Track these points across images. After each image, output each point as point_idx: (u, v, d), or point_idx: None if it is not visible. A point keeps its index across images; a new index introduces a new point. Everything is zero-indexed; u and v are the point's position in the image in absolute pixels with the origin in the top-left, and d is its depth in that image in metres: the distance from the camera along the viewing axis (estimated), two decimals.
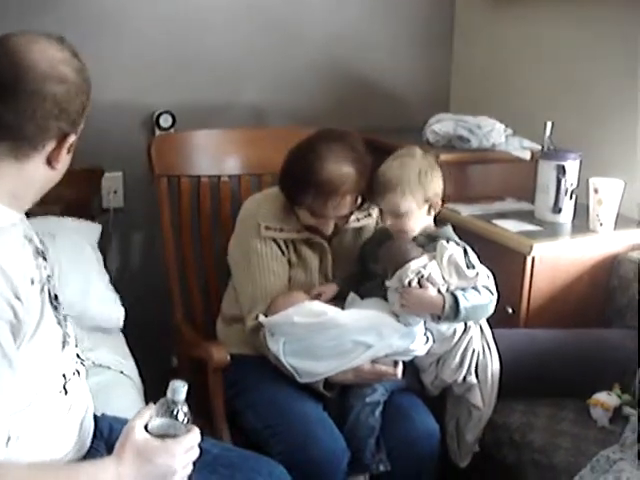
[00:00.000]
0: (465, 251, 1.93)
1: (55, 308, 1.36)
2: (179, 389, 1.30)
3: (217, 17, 2.61)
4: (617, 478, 1.56)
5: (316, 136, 2.04)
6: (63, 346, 1.37)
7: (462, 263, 1.88)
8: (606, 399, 1.95)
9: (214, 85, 2.65)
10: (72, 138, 1.29)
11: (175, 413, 1.30)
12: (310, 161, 1.96)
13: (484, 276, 1.90)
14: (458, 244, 1.94)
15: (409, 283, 1.83)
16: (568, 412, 2.00)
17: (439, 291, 1.85)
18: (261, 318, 1.93)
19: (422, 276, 1.84)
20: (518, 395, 2.04)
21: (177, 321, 2.31)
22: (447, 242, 1.91)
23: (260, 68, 2.70)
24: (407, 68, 2.98)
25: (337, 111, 2.78)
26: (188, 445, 1.31)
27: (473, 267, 1.90)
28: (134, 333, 2.31)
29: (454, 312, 1.84)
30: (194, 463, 1.34)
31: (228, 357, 1.97)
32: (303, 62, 2.77)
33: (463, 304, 1.83)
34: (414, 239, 1.96)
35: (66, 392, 1.36)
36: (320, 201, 1.97)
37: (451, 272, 1.88)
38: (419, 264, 1.85)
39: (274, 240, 2.05)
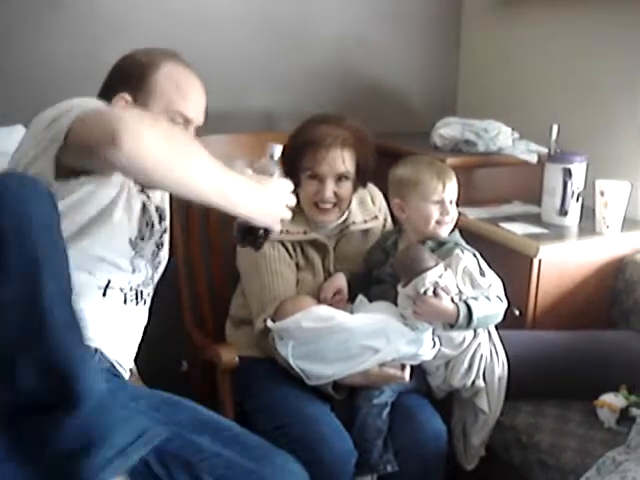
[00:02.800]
0: (475, 257, 1.95)
1: None
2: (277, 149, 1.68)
3: (226, 23, 2.63)
4: (623, 478, 1.56)
5: (306, 121, 2.14)
6: None
7: (476, 274, 1.91)
8: (613, 400, 1.95)
9: (223, 90, 2.67)
10: None
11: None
12: (300, 132, 2.08)
13: (496, 285, 1.92)
14: (468, 250, 1.96)
15: (424, 292, 1.85)
16: (575, 413, 2.01)
17: (452, 300, 1.87)
18: (269, 324, 1.95)
19: (438, 285, 1.86)
20: (525, 396, 2.05)
21: (186, 325, 2.32)
22: (462, 252, 1.94)
23: (269, 73, 2.73)
24: (414, 72, 3.00)
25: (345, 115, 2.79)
26: (288, 184, 1.62)
27: (484, 275, 1.92)
28: (144, 337, 2.32)
29: (467, 321, 1.86)
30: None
31: (236, 358, 1.98)
32: (311, 67, 2.79)
33: (476, 314, 1.85)
34: (423, 243, 1.98)
35: None
36: (311, 155, 2.04)
37: (465, 282, 1.90)
38: (436, 274, 1.86)
39: (282, 243, 2.08)
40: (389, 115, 2.95)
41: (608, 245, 2.27)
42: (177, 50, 2.56)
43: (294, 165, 2.06)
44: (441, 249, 1.96)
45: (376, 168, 2.14)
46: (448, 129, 2.58)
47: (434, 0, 2.99)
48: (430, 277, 1.85)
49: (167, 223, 1.89)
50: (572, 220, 2.33)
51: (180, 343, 2.52)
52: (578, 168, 2.29)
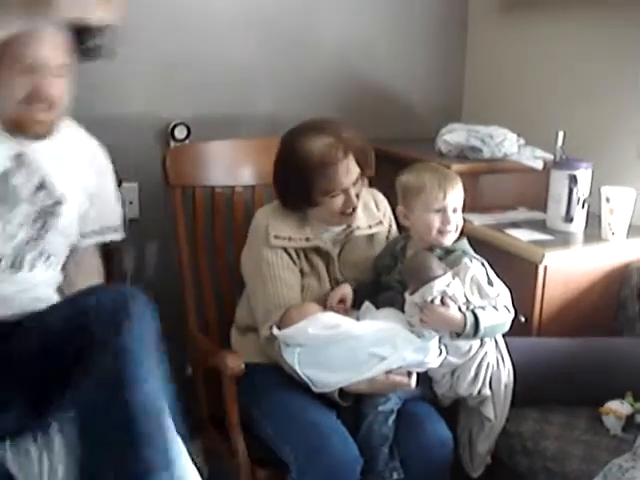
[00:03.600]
0: (483, 266, 1.95)
1: None
2: None
3: (231, 29, 2.64)
4: None
5: (282, 145, 2.12)
6: None
7: (484, 283, 1.91)
8: (618, 407, 1.95)
9: (228, 96, 2.68)
10: None
11: None
12: (297, 157, 2.03)
13: (504, 295, 1.92)
14: (476, 259, 1.96)
15: (432, 300, 1.85)
16: (581, 420, 2.00)
17: (460, 309, 1.87)
18: (275, 331, 1.94)
19: (445, 294, 1.85)
20: (530, 403, 2.05)
21: (191, 330, 2.32)
22: (470, 261, 1.93)
23: (274, 79, 2.73)
24: (419, 78, 3.00)
25: (350, 120, 2.74)
26: None
27: (492, 284, 1.92)
28: None
29: (474, 331, 1.85)
30: None
31: (242, 366, 1.97)
32: (317, 73, 2.80)
33: (483, 323, 1.85)
34: (431, 250, 1.98)
35: None
36: (330, 175, 2.01)
37: (473, 291, 1.90)
38: (444, 283, 1.86)
39: (285, 250, 2.07)
40: (394, 121, 2.96)
41: (614, 252, 2.26)
42: (186, 59, 2.59)
43: (306, 195, 2.06)
44: (449, 257, 1.96)
45: (380, 174, 2.15)
46: (453, 135, 2.57)
47: (439, 6, 2.99)
48: (438, 286, 1.84)
49: (58, 195, 1.89)
50: (577, 227, 2.33)
51: (184, 348, 2.53)
52: (584, 174, 2.29)
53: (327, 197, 2.05)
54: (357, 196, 2.09)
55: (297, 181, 2.04)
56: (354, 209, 2.10)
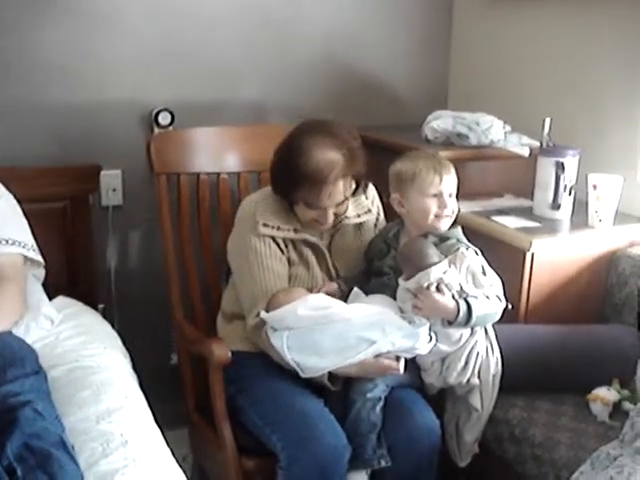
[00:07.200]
0: (477, 255, 1.95)
1: None
2: None
3: (216, 14, 2.61)
4: (619, 472, 1.56)
5: (297, 130, 2.06)
6: None
7: (479, 273, 1.91)
8: (605, 394, 1.96)
9: (213, 82, 2.66)
10: None
11: None
12: (296, 155, 1.98)
13: (496, 285, 1.92)
14: (471, 247, 1.96)
15: (427, 287, 1.84)
16: (568, 407, 2.01)
17: (453, 297, 1.86)
18: (262, 314, 1.92)
19: (442, 281, 1.85)
20: (518, 390, 2.05)
21: (177, 318, 2.30)
22: (466, 249, 1.93)
23: (259, 65, 2.71)
24: (406, 65, 2.98)
25: (336, 108, 2.78)
26: None
27: (485, 274, 1.92)
28: (134, 330, 2.31)
29: (466, 319, 1.85)
30: None
31: (229, 353, 1.96)
32: (302, 59, 2.78)
33: (476, 312, 1.85)
34: (425, 237, 1.96)
35: None
36: (314, 192, 1.98)
37: (468, 280, 1.89)
38: (440, 270, 1.85)
39: (273, 239, 2.05)
40: (380, 108, 2.94)
41: (601, 239, 2.26)
42: (170, 45, 2.56)
43: (288, 191, 2.04)
44: (443, 244, 1.95)
45: (367, 162, 2.12)
46: (440, 122, 2.55)
47: None
48: (435, 273, 1.84)
49: None
50: (564, 214, 2.33)
51: (170, 336, 2.51)
52: (570, 162, 2.28)
53: (303, 204, 2.03)
54: (338, 214, 2.07)
55: (285, 176, 2.02)
56: (328, 224, 2.07)
